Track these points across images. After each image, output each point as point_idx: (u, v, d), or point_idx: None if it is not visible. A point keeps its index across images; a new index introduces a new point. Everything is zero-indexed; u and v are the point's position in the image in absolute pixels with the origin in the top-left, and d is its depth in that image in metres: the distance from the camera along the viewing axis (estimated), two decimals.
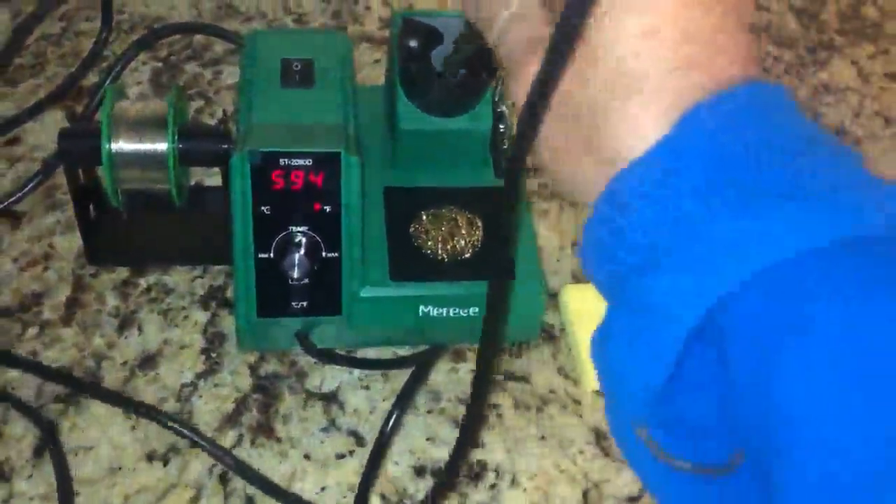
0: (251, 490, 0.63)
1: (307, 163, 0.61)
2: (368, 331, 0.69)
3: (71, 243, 0.76)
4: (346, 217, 0.63)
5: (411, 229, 0.70)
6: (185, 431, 0.64)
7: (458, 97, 0.69)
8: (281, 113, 0.68)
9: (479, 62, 0.68)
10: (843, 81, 0.97)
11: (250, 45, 0.74)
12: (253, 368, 0.70)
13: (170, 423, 0.64)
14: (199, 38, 0.94)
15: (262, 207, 0.62)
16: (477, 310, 0.68)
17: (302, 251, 0.62)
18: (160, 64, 0.91)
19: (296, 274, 0.62)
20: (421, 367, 0.71)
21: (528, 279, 0.69)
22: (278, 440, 0.66)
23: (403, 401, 0.67)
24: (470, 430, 0.51)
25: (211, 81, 0.90)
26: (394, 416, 0.65)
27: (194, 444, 0.64)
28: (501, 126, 0.76)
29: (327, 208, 0.63)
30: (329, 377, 0.70)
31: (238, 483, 0.63)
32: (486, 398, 0.70)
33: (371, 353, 0.72)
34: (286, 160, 0.61)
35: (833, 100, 0.95)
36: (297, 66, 0.71)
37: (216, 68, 0.92)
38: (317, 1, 0.99)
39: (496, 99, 0.69)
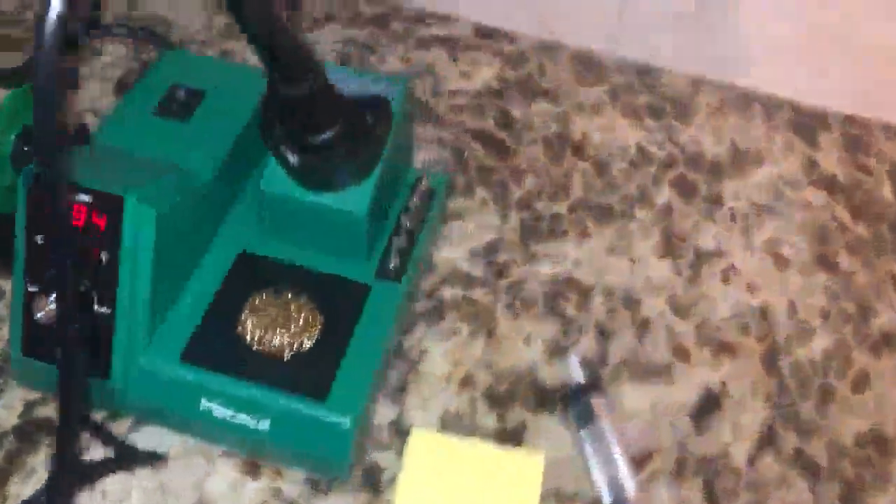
0: None
1: (89, 200, 0.53)
2: (147, 407, 0.60)
3: None
4: (128, 271, 0.54)
5: (241, 307, 0.60)
6: None
7: (328, 171, 0.59)
8: (126, 139, 0.60)
9: (356, 134, 0.57)
10: None
11: (160, 62, 0.67)
12: (28, 407, 0.62)
13: None
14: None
15: (36, 236, 0.54)
16: (268, 424, 0.57)
17: (59, 296, 0.54)
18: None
19: (43, 318, 0.53)
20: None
21: (339, 407, 0.57)
22: (4, 497, 0.58)
23: None
24: None
25: None
26: None
27: None
28: (406, 222, 0.65)
29: (105, 256, 0.54)
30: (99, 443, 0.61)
31: None
32: None
33: (156, 434, 0.62)
34: (71, 192, 0.53)
35: None
36: (181, 95, 0.63)
37: None
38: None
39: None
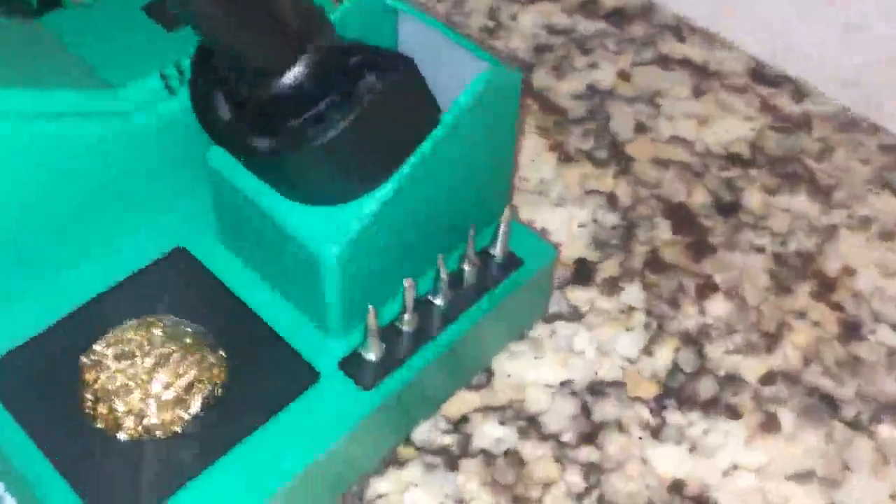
0: None
1: None
2: None
3: None
4: None
5: (108, 331, 0.38)
6: None
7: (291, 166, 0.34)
8: (81, 26, 0.40)
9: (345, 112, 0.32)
10: None
11: None
12: None
13: None
14: None
15: None
16: None
17: None
18: None
19: None
20: None
21: None
22: None
23: None
24: None
25: None
26: None
27: None
28: (439, 298, 0.39)
29: None
30: None
31: None
32: None
33: None
34: None
35: None
36: None
37: None
38: None
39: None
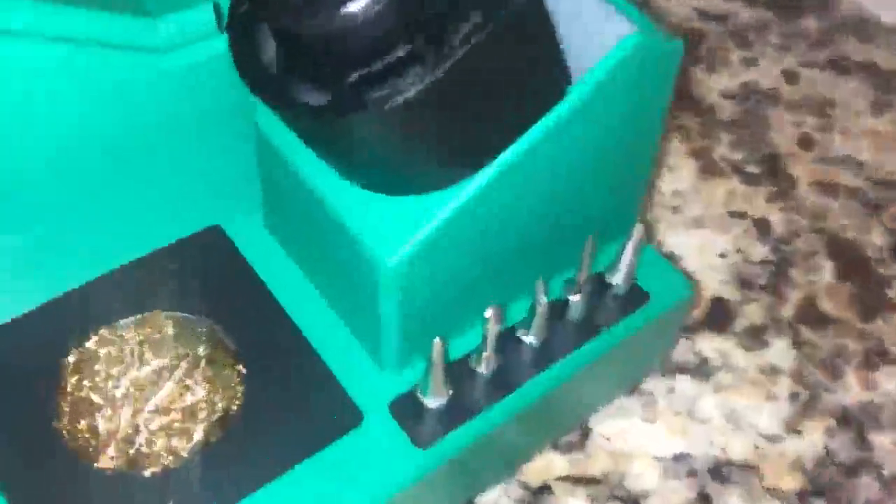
0: None
1: None
2: None
3: None
4: None
5: (115, 323, 0.29)
6: None
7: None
8: None
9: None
10: None
11: None
12: None
13: None
14: None
15: None
16: None
17: None
18: None
19: None
20: None
21: None
22: None
23: None
24: None
25: None
26: None
27: None
28: (533, 335, 0.30)
29: None
30: None
31: None
32: None
33: None
34: None
35: None
36: None
37: None
38: None
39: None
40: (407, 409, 0.28)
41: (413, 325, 0.27)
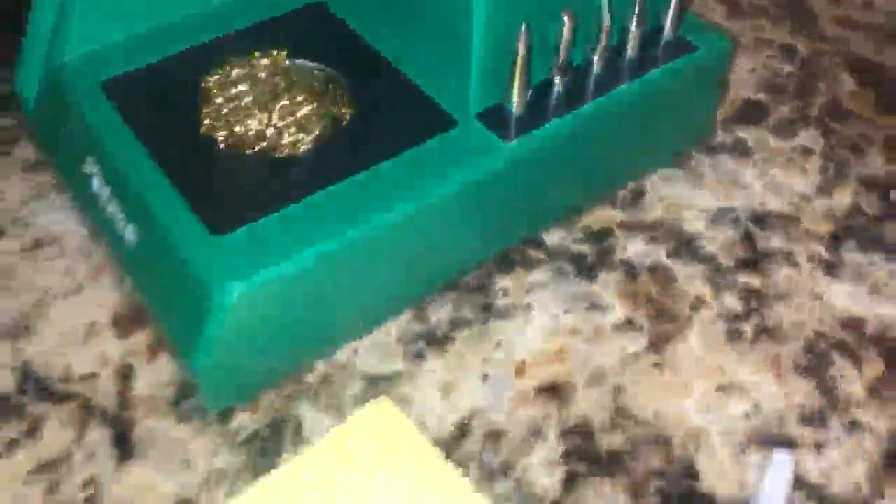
0: None
1: None
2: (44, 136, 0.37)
3: None
4: None
5: (232, 60, 0.34)
6: None
7: None
8: None
9: None
10: None
11: None
12: None
13: None
14: None
15: None
16: (134, 235, 0.31)
17: None
18: None
19: None
20: None
21: (231, 263, 0.28)
22: None
23: None
24: None
25: None
26: None
27: None
28: (596, 56, 0.35)
29: None
30: None
31: None
32: None
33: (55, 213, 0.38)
34: None
35: None
36: None
37: None
38: None
39: None
40: (493, 114, 0.32)
41: (497, 40, 0.32)
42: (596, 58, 0.34)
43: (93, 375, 0.33)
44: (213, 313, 0.28)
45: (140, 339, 0.34)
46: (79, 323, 0.34)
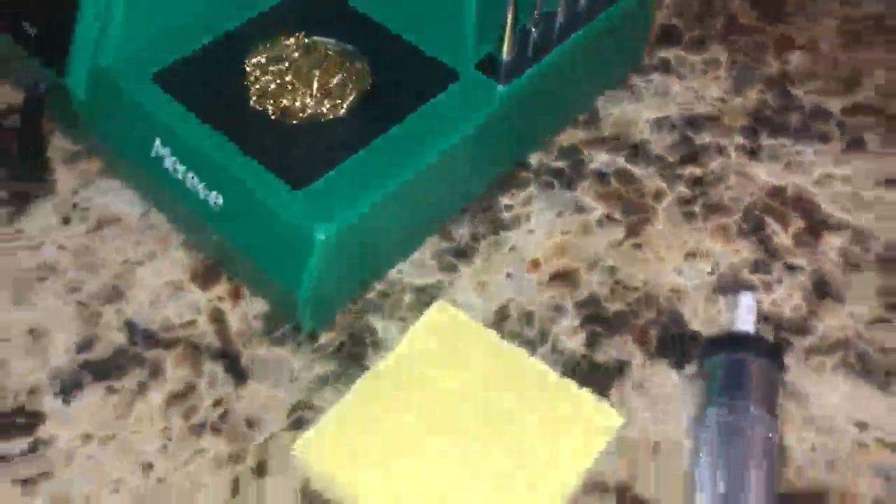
0: None
1: None
2: (102, 129, 0.42)
3: None
4: None
5: (264, 45, 0.41)
6: None
7: None
8: None
9: None
10: None
11: None
12: None
13: None
14: None
15: None
16: (221, 200, 0.37)
17: None
18: None
19: None
20: None
21: (315, 209, 0.35)
22: None
23: None
24: None
25: None
26: None
27: None
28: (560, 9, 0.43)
29: None
30: None
31: None
32: None
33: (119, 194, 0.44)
34: None
35: None
36: None
37: None
38: None
39: None
40: (488, 63, 0.40)
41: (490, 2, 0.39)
42: (560, 8, 0.42)
43: (191, 323, 0.39)
44: (313, 251, 0.35)
45: (220, 289, 0.40)
46: (162, 282, 0.41)
